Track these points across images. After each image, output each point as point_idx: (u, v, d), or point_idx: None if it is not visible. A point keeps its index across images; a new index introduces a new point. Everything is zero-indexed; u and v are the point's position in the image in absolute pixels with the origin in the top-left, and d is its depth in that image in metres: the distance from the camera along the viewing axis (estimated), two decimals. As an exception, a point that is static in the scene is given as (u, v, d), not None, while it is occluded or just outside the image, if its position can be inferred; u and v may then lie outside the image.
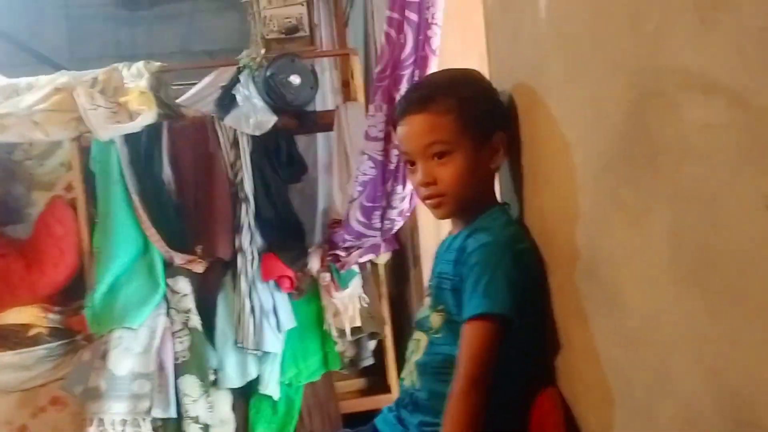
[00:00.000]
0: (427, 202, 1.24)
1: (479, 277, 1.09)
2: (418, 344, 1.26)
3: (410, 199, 2.03)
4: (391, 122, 1.71)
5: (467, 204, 1.22)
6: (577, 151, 1.00)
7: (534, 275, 1.15)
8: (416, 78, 1.68)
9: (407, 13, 1.59)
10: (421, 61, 1.65)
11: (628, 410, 0.92)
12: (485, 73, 1.42)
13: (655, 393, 0.83)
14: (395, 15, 1.63)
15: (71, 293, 2.55)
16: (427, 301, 1.28)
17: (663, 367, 0.80)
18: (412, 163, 1.25)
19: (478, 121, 1.20)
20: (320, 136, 2.88)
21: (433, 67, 1.65)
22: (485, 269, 1.10)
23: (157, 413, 2.27)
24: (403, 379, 1.30)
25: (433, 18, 1.59)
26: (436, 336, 1.22)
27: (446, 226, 1.40)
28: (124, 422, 2.23)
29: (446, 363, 1.19)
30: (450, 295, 1.19)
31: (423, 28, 1.61)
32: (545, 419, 1.12)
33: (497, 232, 1.17)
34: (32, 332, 2.46)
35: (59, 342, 2.47)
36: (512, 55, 1.26)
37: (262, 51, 2.60)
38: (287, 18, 2.69)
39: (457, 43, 1.86)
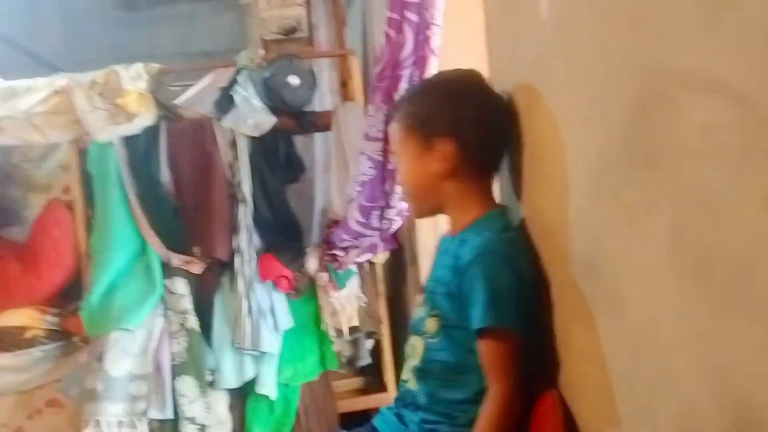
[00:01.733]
0: None
1: (479, 291, 1.11)
2: (414, 349, 1.26)
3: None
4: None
5: (429, 207, 1.31)
6: (578, 152, 1.00)
7: (531, 281, 1.16)
8: (415, 78, 1.68)
9: (407, 13, 1.59)
10: (421, 61, 1.65)
11: (628, 410, 0.92)
12: (484, 73, 1.42)
13: (655, 392, 0.83)
14: (395, 15, 1.63)
15: (68, 295, 2.54)
16: (422, 302, 1.28)
17: (664, 366, 0.80)
18: None
19: (418, 129, 1.25)
20: (318, 137, 2.88)
21: (433, 67, 1.65)
22: (483, 283, 1.11)
23: (154, 414, 2.26)
24: (405, 381, 1.30)
25: (432, 18, 1.59)
26: (432, 341, 1.22)
27: (445, 225, 1.40)
28: (120, 423, 2.23)
29: (445, 369, 1.20)
30: (446, 300, 1.19)
31: (422, 28, 1.61)
32: (545, 420, 1.12)
33: (492, 239, 1.17)
34: (29, 334, 2.45)
35: (56, 344, 2.47)
36: (513, 55, 1.26)
37: (261, 52, 2.60)
38: (286, 19, 2.69)
39: (457, 43, 1.86)
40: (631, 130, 0.83)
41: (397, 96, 1.70)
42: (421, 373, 1.23)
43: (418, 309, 1.30)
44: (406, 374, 1.29)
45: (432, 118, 1.24)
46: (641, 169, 0.81)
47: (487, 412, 1.10)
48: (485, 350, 1.12)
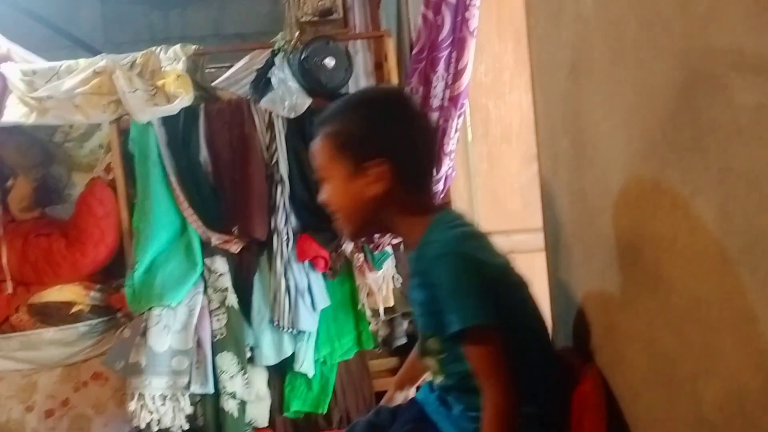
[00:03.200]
0: None
1: (444, 295, 1.08)
2: (432, 368, 1.24)
3: (444, 182, 2.04)
4: (432, 102, 1.72)
5: (363, 229, 1.26)
6: (621, 134, 1.00)
7: (499, 269, 1.13)
8: (453, 60, 1.68)
9: (445, -6, 1.59)
10: (459, 42, 1.65)
11: (672, 390, 0.92)
12: (524, 54, 1.42)
13: (700, 373, 0.84)
14: (433, -4, 1.63)
15: (111, 272, 2.60)
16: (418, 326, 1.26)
17: (709, 347, 0.81)
18: None
19: (349, 148, 1.17)
20: (353, 118, 2.89)
21: (471, 48, 1.65)
22: (444, 285, 1.08)
23: (196, 389, 2.32)
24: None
25: (471, 0, 1.59)
26: (442, 357, 1.19)
27: (482, 207, 1.40)
28: (163, 397, 2.29)
29: (464, 378, 1.15)
30: (432, 320, 1.16)
31: (461, 9, 1.61)
32: (586, 401, 1.13)
33: (444, 241, 1.14)
34: (74, 309, 2.52)
35: (100, 319, 2.53)
36: (554, 37, 1.26)
37: (297, 34, 2.61)
38: (321, 1, 2.69)
39: (492, 24, 1.86)
40: (677, 111, 0.83)
41: (434, 78, 1.71)
42: (448, 388, 1.22)
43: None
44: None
45: (364, 138, 1.17)
46: (687, 150, 0.81)
47: (486, 420, 1.07)
48: (468, 354, 1.08)
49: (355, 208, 1.19)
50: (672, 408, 0.93)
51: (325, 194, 1.21)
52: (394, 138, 1.18)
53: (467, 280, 1.07)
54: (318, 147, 1.20)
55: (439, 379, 1.24)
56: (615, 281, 1.07)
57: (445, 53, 1.67)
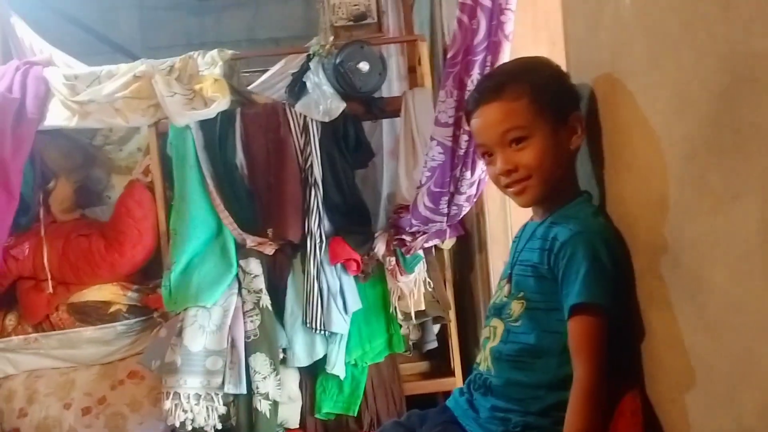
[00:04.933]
0: (510, 190, 1.24)
1: (578, 268, 1.10)
2: (495, 331, 1.27)
3: (478, 185, 2.04)
4: (464, 114, 1.72)
5: (551, 188, 1.22)
6: (661, 137, 0.99)
7: (624, 267, 1.15)
8: (488, 64, 1.67)
9: (481, -2, 1.59)
10: (494, 46, 1.65)
11: (709, 397, 0.91)
12: (561, 57, 1.42)
13: (738, 380, 0.83)
14: (468, 1, 1.62)
15: (149, 272, 2.66)
16: (507, 289, 1.28)
17: (748, 353, 0.80)
18: (490, 155, 1.25)
19: (552, 103, 1.20)
20: (385, 122, 2.91)
21: (506, 52, 1.64)
22: (583, 260, 1.11)
23: (230, 389, 2.35)
24: (478, 364, 1.32)
25: (506, 3, 1.58)
26: (514, 324, 1.22)
27: (515, 212, 1.40)
28: (198, 397, 2.32)
29: (523, 352, 1.20)
30: (533, 283, 1.20)
31: (496, 13, 1.60)
32: (622, 406, 1.12)
33: (588, 221, 1.17)
34: (112, 309, 2.57)
35: (137, 319, 2.58)
36: (592, 39, 1.25)
37: (331, 38, 2.63)
38: (355, 5, 2.71)
39: (528, 28, 1.85)
40: (719, 115, 0.82)
41: (469, 81, 1.71)
42: (498, 354, 1.24)
43: (498, 293, 1.32)
44: (481, 356, 1.31)
45: (563, 91, 1.23)
46: (729, 154, 0.81)
47: (574, 397, 1.10)
48: (577, 327, 1.11)
49: (558, 164, 1.21)
50: (710, 415, 0.92)
51: (522, 155, 1.19)
52: (577, 91, 1.25)
53: (603, 262, 1.11)
54: (516, 106, 1.19)
55: (492, 344, 1.26)
56: (653, 285, 1.06)
57: (480, 57, 1.67)
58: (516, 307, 1.23)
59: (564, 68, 1.35)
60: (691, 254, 0.93)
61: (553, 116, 1.19)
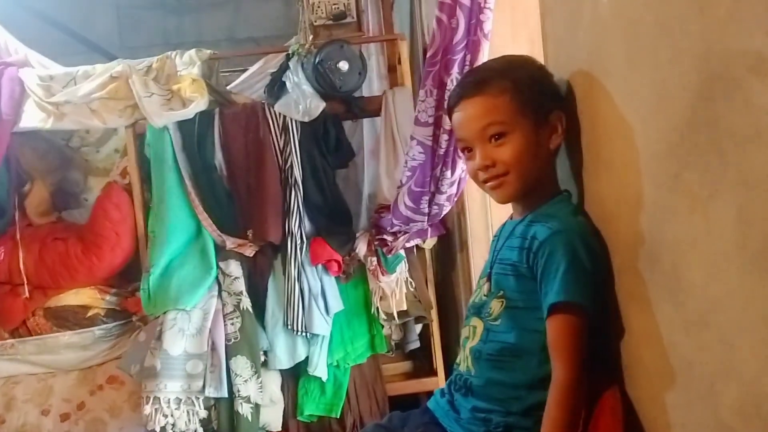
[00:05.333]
0: (487, 185, 1.24)
1: (557, 266, 1.11)
2: (474, 330, 1.27)
3: (458, 185, 2.04)
4: (445, 110, 1.72)
5: (529, 185, 1.23)
6: (639, 136, 1.00)
7: (603, 265, 1.15)
8: (467, 63, 1.67)
9: (459, -2, 1.59)
10: (473, 45, 1.65)
11: (689, 394, 0.92)
12: (539, 56, 1.42)
13: (717, 377, 0.83)
14: (447, 0, 1.62)
15: (127, 276, 2.62)
16: (486, 287, 1.28)
17: (727, 350, 0.80)
18: (469, 150, 1.25)
19: (533, 100, 1.21)
20: (365, 122, 2.90)
21: (485, 51, 1.64)
22: (562, 258, 1.11)
23: (210, 393, 2.32)
24: (458, 364, 1.31)
25: (485, 2, 1.58)
26: (494, 323, 1.22)
27: (496, 210, 1.40)
28: (178, 401, 2.29)
29: (504, 351, 1.20)
30: (513, 281, 1.20)
31: (475, 12, 1.60)
32: (602, 404, 1.12)
33: (566, 220, 1.18)
34: (90, 313, 2.54)
35: (116, 323, 2.55)
36: (570, 38, 1.25)
37: (311, 38, 2.62)
38: (335, 4, 2.69)
39: (506, 26, 1.85)
40: (695, 114, 0.83)
41: (449, 81, 1.70)
42: (478, 354, 1.24)
43: (478, 292, 1.31)
44: (461, 356, 1.30)
45: (545, 89, 1.24)
46: (706, 154, 0.81)
47: (552, 396, 1.10)
48: (556, 326, 1.11)
49: (537, 161, 1.21)
50: (689, 412, 0.92)
51: (501, 151, 1.20)
52: (562, 93, 1.25)
53: (582, 261, 1.11)
54: (498, 102, 1.20)
55: (472, 343, 1.26)
56: (632, 284, 1.07)
57: (459, 56, 1.67)
58: (495, 306, 1.23)
59: (543, 67, 1.35)
60: (669, 252, 0.93)
61: (534, 114, 1.20)
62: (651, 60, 0.93)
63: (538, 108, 1.21)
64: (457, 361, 1.32)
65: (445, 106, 1.75)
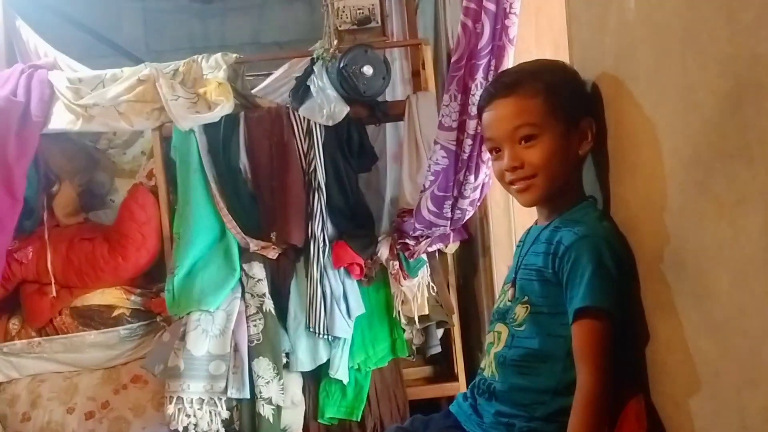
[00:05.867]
0: (514, 187, 1.24)
1: (583, 272, 1.10)
2: (499, 336, 1.26)
3: (481, 189, 2.04)
4: (470, 110, 1.72)
5: (555, 189, 1.22)
6: (666, 142, 0.99)
7: (628, 271, 1.14)
8: (492, 68, 1.67)
9: (485, 2, 1.59)
10: (498, 50, 1.65)
11: (714, 402, 0.91)
12: (565, 61, 1.41)
13: (744, 384, 0.82)
14: (472, 5, 1.63)
15: (152, 276, 2.66)
16: (510, 293, 1.28)
17: (753, 358, 0.80)
18: (498, 150, 1.25)
19: (565, 105, 1.20)
20: (388, 126, 2.91)
21: (510, 56, 1.64)
22: (587, 264, 1.10)
23: (233, 393, 2.34)
24: (482, 369, 1.31)
25: (511, 7, 1.58)
26: (518, 329, 1.22)
27: (519, 216, 1.40)
28: (201, 401, 2.31)
29: (528, 357, 1.20)
30: (538, 286, 1.19)
31: (500, 17, 1.60)
32: (626, 410, 1.12)
33: (593, 225, 1.17)
34: (115, 313, 2.58)
35: (140, 323, 2.59)
36: (597, 43, 1.25)
37: (335, 42, 2.63)
38: (359, 9, 2.71)
39: (531, 31, 1.85)
40: (723, 120, 0.82)
41: (473, 85, 1.71)
42: (502, 359, 1.24)
43: (502, 297, 1.31)
44: (485, 362, 1.30)
45: (579, 96, 1.24)
46: (733, 159, 0.80)
47: (578, 402, 1.09)
48: (581, 332, 1.11)
49: (565, 166, 1.21)
50: (715, 420, 0.91)
51: (530, 153, 1.19)
52: (592, 101, 1.24)
53: (608, 266, 1.10)
54: (530, 103, 1.20)
55: (497, 349, 1.25)
56: (658, 290, 1.06)
57: (484, 61, 1.67)
58: (520, 312, 1.22)
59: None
60: (695, 259, 0.93)
61: (565, 118, 1.20)
62: (678, 65, 0.92)
63: (569, 113, 1.20)
64: (482, 366, 1.32)
65: (470, 110, 1.76)
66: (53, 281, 2.56)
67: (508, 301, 1.27)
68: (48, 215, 2.66)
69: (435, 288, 2.56)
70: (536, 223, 1.32)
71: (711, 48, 0.83)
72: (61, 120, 2.55)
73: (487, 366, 1.28)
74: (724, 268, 0.85)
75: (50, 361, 2.57)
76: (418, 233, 2.40)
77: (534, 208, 1.31)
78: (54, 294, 2.57)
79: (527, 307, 1.21)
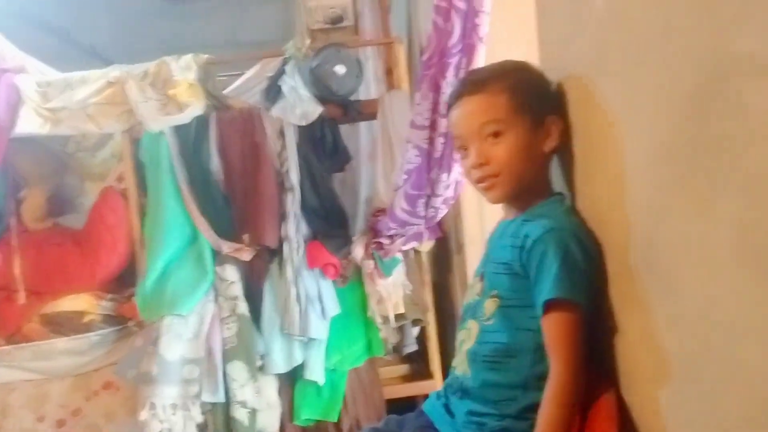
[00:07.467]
0: (480, 185, 1.25)
1: (551, 264, 1.10)
2: (470, 333, 1.26)
3: (455, 187, 2.03)
4: (442, 108, 1.71)
5: (521, 186, 1.23)
6: (636, 138, 0.99)
7: (597, 265, 1.15)
8: (463, 66, 1.67)
9: (455, 1, 1.58)
10: (468, 49, 1.64)
11: (684, 396, 0.91)
12: (535, 59, 1.41)
13: (714, 379, 0.83)
14: (443, 3, 1.62)
15: (123, 281, 2.62)
16: (479, 287, 1.28)
17: (723, 353, 0.80)
18: (465, 149, 1.26)
19: (531, 103, 1.22)
20: (362, 125, 2.90)
21: (481, 54, 1.64)
22: (555, 256, 1.10)
23: (207, 397, 2.31)
24: (454, 368, 1.31)
25: (481, 6, 1.58)
26: (488, 324, 1.22)
27: (491, 213, 1.39)
28: (174, 406, 2.28)
29: (497, 352, 1.20)
30: (506, 280, 1.20)
31: (471, 15, 1.60)
32: (597, 407, 1.12)
33: (560, 219, 1.18)
34: (86, 319, 2.53)
35: (112, 328, 2.54)
36: (568, 40, 1.25)
37: (308, 41, 2.62)
38: (332, 8, 2.70)
39: (503, 30, 1.85)
40: (694, 116, 0.82)
41: (444, 84, 1.70)
42: (473, 356, 1.24)
43: (471, 293, 1.31)
44: (457, 359, 1.30)
45: (545, 94, 1.26)
46: (705, 155, 0.80)
47: (549, 393, 1.09)
48: (551, 324, 1.11)
49: (528, 164, 1.22)
50: (685, 414, 0.92)
51: (496, 149, 1.21)
52: (560, 99, 1.26)
53: (574, 258, 1.11)
54: (497, 100, 1.21)
55: (468, 345, 1.25)
56: (627, 286, 1.06)
57: (455, 60, 1.67)
58: (489, 306, 1.22)
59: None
60: (665, 255, 0.93)
61: (530, 116, 1.21)
62: (650, 63, 0.92)
63: (534, 110, 1.22)
64: (454, 364, 1.32)
65: (442, 108, 1.75)
66: (22, 288, 2.52)
67: (477, 295, 1.28)
68: (16, 221, 2.61)
69: (410, 286, 2.56)
70: (505, 217, 1.32)
71: (682, 45, 0.83)
72: (28, 124, 2.50)
73: (459, 363, 1.28)
74: (695, 263, 0.85)
75: (20, 369, 2.51)
76: (392, 232, 2.39)
77: (498, 210, 1.33)
78: (23, 301, 2.53)
79: (497, 301, 1.21)
